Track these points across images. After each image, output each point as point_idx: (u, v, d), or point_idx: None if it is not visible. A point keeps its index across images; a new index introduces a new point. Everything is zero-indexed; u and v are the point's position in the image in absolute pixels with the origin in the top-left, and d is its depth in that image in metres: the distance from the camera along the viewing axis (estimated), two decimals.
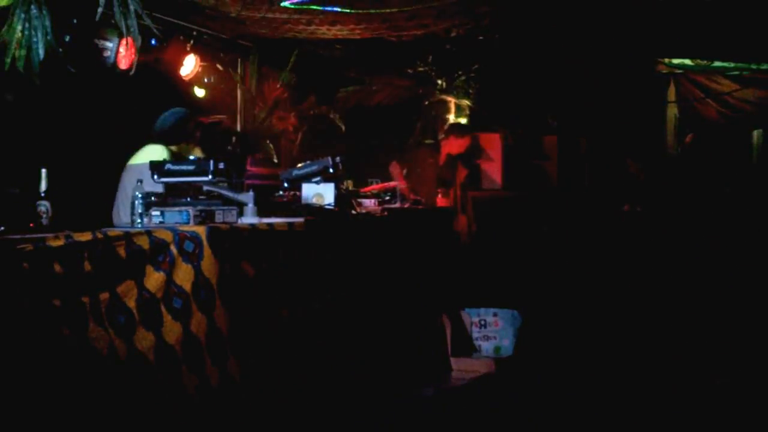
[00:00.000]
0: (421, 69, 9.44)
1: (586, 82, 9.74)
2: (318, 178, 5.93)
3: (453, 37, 8.97)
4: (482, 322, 6.76)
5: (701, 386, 6.14)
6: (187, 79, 7.92)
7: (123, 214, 5.43)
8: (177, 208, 4.42)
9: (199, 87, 8.15)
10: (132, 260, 3.88)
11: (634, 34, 8.78)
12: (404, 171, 8.55)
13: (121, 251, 3.84)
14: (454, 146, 8.89)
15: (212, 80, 8.27)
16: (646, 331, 8.02)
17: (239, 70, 8.75)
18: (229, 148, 7.08)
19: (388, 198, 6.90)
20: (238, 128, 8.91)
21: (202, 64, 7.99)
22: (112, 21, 5.02)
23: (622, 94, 10.07)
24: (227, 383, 4.15)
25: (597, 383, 6.18)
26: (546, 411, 5.51)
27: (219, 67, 8.40)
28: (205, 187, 4.89)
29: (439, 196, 8.50)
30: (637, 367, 6.73)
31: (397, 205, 6.82)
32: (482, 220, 8.61)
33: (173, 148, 5.82)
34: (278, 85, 9.01)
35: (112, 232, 3.89)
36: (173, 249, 4.06)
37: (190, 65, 7.84)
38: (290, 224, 4.96)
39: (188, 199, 4.70)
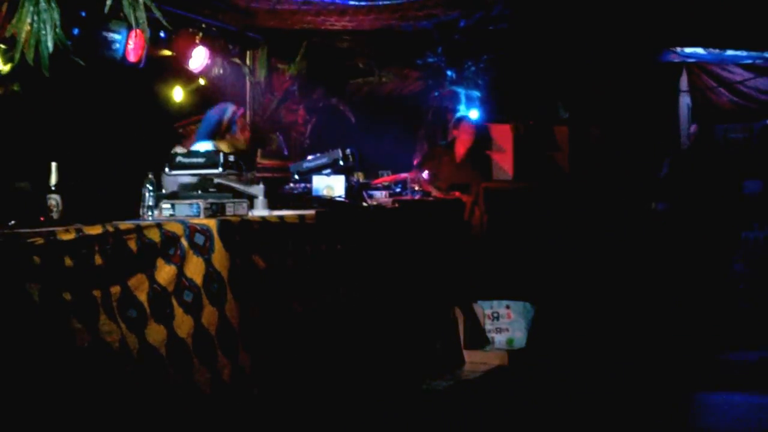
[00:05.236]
0: (431, 60, 9.38)
1: (597, 71, 9.68)
2: (328, 170, 5.91)
3: (463, 27, 8.92)
4: (495, 315, 6.73)
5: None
6: (196, 71, 7.89)
7: None
8: (187, 201, 4.40)
9: (208, 79, 8.12)
10: (143, 253, 3.87)
11: (646, 22, 8.72)
12: (424, 174, 8.47)
13: (132, 244, 3.82)
14: (465, 142, 8.79)
15: (221, 72, 8.23)
16: (657, 321, 7.98)
17: (248, 62, 8.72)
18: None
19: (399, 190, 6.87)
20: (248, 120, 8.88)
21: (211, 56, 7.95)
22: (121, 13, 4.99)
23: (634, 84, 10.01)
24: (239, 376, 4.14)
25: (609, 375, 6.15)
26: (558, 403, 5.48)
27: (228, 59, 8.37)
28: (216, 180, 4.87)
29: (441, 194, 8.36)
30: (646, 358, 6.71)
31: (408, 196, 6.79)
32: (494, 212, 8.55)
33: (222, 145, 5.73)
34: (287, 77, 8.98)
35: (123, 225, 3.87)
36: (184, 242, 4.04)
37: (199, 58, 7.81)
38: (301, 216, 4.93)
39: (199, 192, 4.68)
